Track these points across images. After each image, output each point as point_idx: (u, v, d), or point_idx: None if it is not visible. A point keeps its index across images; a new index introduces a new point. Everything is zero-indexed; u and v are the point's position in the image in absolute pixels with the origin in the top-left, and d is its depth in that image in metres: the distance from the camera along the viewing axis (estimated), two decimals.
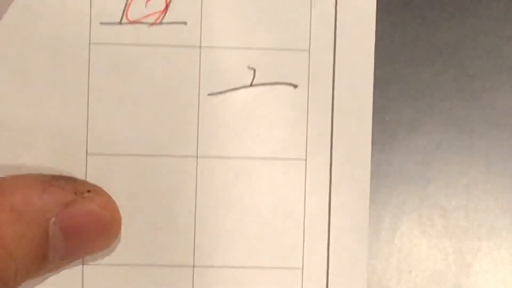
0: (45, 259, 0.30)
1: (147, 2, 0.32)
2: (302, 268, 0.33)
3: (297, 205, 0.33)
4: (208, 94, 0.32)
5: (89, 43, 0.32)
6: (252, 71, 0.32)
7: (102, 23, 0.32)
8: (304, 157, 0.32)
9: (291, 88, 0.32)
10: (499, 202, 0.33)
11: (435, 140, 0.34)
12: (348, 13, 0.32)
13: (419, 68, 0.33)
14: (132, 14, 0.32)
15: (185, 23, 0.32)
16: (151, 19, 0.32)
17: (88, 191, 0.31)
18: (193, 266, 0.32)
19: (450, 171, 0.34)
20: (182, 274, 0.32)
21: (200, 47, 0.32)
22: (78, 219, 0.30)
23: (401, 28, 0.33)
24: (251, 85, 0.32)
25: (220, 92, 0.32)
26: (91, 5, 0.31)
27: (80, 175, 0.32)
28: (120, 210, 0.32)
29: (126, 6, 0.32)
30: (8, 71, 0.31)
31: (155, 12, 0.32)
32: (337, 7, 0.32)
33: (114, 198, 0.32)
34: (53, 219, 0.30)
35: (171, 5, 0.32)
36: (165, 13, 0.32)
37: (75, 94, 0.32)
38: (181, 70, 0.32)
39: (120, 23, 0.32)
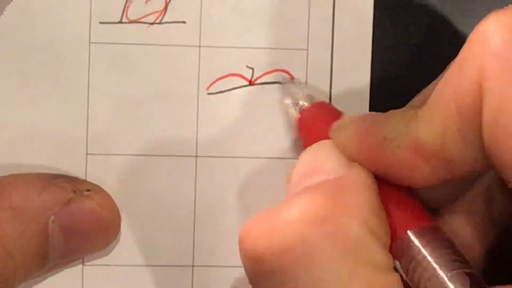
0: (45, 257, 0.30)
1: (147, 1, 0.32)
2: None
3: None
4: (207, 93, 0.32)
5: (89, 42, 0.32)
6: (250, 71, 0.32)
7: (102, 22, 0.32)
8: None
9: None
10: None
11: None
12: (346, 13, 0.32)
13: (417, 68, 0.33)
14: (131, 14, 0.32)
15: (184, 22, 0.32)
16: (150, 19, 0.32)
17: (88, 190, 0.31)
18: (192, 266, 0.32)
19: None
20: (182, 274, 0.32)
21: (200, 46, 0.32)
22: (78, 218, 0.30)
23: (399, 28, 0.33)
24: (249, 84, 0.32)
25: (219, 92, 0.32)
26: (91, 5, 0.31)
27: (80, 175, 0.32)
28: (120, 210, 0.32)
29: (126, 5, 0.32)
30: (8, 71, 0.31)
31: (155, 12, 0.32)
32: (335, 7, 0.32)
33: (113, 198, 0.32)
34: (53, 218, 0.30)
35: (170, 4, 0.32)
36: (165, 13, 0.32)
37: (75, 93, 0.32)
38: (180, 69, 0.32)
39: (120, 22, 0.32)
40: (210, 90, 0.32)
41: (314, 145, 0.28)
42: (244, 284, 0.32)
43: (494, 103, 0.22)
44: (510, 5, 0.24)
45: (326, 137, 0.28)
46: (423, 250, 0.24)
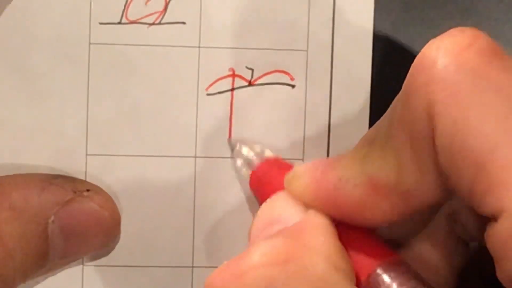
0: (45, 258, 0.30)
1: (146, 2, 0.32)
2: None
3: None
4: (207, 94, 0.32)
5: (89, 43, 0.32)
6: (250, 71, 0.32)
7: (101, 23, 0.32)
8: (301, 157, 0.32)
9: (289, 88, 0.32)
10: None
11: None
12: (345, 14, 0.32)
13: None
14: (131, 14, 0.32)
15: (184, 23, 0.32)
16: (150, 19, 0.32)
17: (88, 190, 0.31)
18: (192, 267, 0.32)
19: None
20: (181, 275, 0.32)
21: (199, 47, 0.32)
22: (77, 218, 0.30)
23: (399, 28, 0.33)
24: (249, 85, 0.32)
25: (219, 92, 0.32)
26: (90, 5, 0.32)
27: (80, 175, 0.32)
28: (120, 211, 0.32)
29: (126, 6, 0.32)
30: (8, 71, 0.31)
31: (155, 12, 0.32)
32: (335, 8, 0.32)
33: (113, 198, 0.32)
34: (52, 218, 0.30)
35: (170, 5, 0.32)
36: (164, 13, 0.32)
37: (75, 94, 0.32)
38: (180, 70, 0.32)
39: (120, 23, 0.32)
40: (210, 91, 0.32)
41: (271, 198, 0.28)
42: None
43: (446, 127, 0.23)
44: (449, 30, 0.24)
45: (279, 190, 0.28)
46: (392, 285, 0.25)
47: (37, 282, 0.32)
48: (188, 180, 0.32)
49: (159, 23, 0.32)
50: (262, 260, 0.24)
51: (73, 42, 0.32)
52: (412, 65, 0.24)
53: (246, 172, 0.31)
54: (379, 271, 0.25)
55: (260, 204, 0.29)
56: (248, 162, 0.31)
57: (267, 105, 0.32)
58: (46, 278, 0.32)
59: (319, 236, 0.25)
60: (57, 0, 0.31)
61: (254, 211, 0.32)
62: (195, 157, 0.32)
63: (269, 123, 0.32)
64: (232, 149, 0.32)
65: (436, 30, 0.33)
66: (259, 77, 0.32)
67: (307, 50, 0.32)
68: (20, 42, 0.31)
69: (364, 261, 0.25)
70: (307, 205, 0.26)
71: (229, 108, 0.32)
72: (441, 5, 0.33)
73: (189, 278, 0.32)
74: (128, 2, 0.32)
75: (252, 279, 0.24)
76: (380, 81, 0.32)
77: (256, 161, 0.31)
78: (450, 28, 0.24)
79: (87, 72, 0.32)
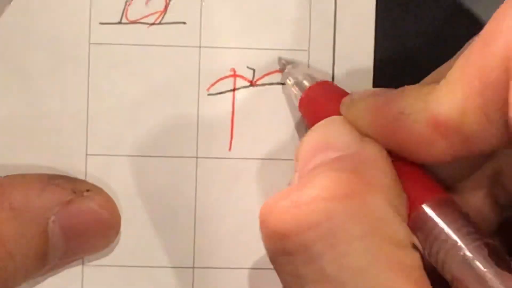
0: (45, 258, 0.30)
1: (146, 2, 0.32)
2: None
3: None
4: (208, 94, 0.32)
5: (89, 43, 0.32)
6: (251, 71, 0.32)
7: (101, 23, 0.32)
8: None
9: None
10: None
11: None
12: (347, 14, 0.32)
13: (418, 68, 0.33)
14: (131, 14, 0.32)
15: (184, 23, 0.32)
16: (150, 19, 0.32)
17: (87, 190, 0.31)
18: (193, 267, 0.32)
19: None
20: (182, 275, 0.32)
21: (200, 47, 0.32)
22: (78, 218, 0.30)
23: (400, 29, 0.33)
24: (250, 85, 0.32)
25: (220, 92, 0.32)
26: (90, 5, 0.31)
27: (80, 176, 0.32)
28: (120, 211, 0.32)
29: (126, 6, 0.32)
30: (8, 71, 0.31)
31: (155, 12, 0.32)
32: (336, 7, 0.32)
33: (113, 198, 0.32)
34: (53, 218, 0.30)
35: (170, 5, 0.32)
36: (165, 13, 0.32)
37: (75, 94, 0.32)
38: (180, 70, 0.32)
39: (120, 23, 0.32)
40: (211, 91, 0.32)
41: (324, 121, 0.27)
42: (245, 285, 0.32)
43: None
44: None
45: (332, 115, 0.27)
46: (440, 223, 0.24)
47: (37, 282, 0.32)
48: (189, 180, 0.32)
49: (160, 23, 0.32)
50: (324, 192, 0.24)
51: (73, 42, 0.31)
52: (496, 11, 0.23)
53: (296, 93, 0.31)
54: (428, 207, 0.25)
55: (310, 127, 0.28)
56: (298, 83, 0.31)
57: (268, 105, 0.32)
58: (46, 278, 0.32)
59: (379, 171, 0.25)
60: (57, 0, 0.31)
61: (255, 210, 0.32)
62: (197, 157, 0.32)
63: (271, 124, 0.32)
64: (283, 69, 0.32)
65: (437, 30, 0.33)
66: (261, 77, 0.32)
67: (308, 50, 0.32)
68: (20, 42, 0.31)
69: (413, 197, 0.25)
70: (363, 133, 0.26)
71: (230, 108, 0.32)
72: (441, 5, 0.33)
73: (190, 279, 0.32)
74: (128, 2, 0.32)
75: (312, 211, 0.24)
76: (381, 81, 0.32)
77: (307, 82, 0.30)
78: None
79: (87, 72, 0.32)
